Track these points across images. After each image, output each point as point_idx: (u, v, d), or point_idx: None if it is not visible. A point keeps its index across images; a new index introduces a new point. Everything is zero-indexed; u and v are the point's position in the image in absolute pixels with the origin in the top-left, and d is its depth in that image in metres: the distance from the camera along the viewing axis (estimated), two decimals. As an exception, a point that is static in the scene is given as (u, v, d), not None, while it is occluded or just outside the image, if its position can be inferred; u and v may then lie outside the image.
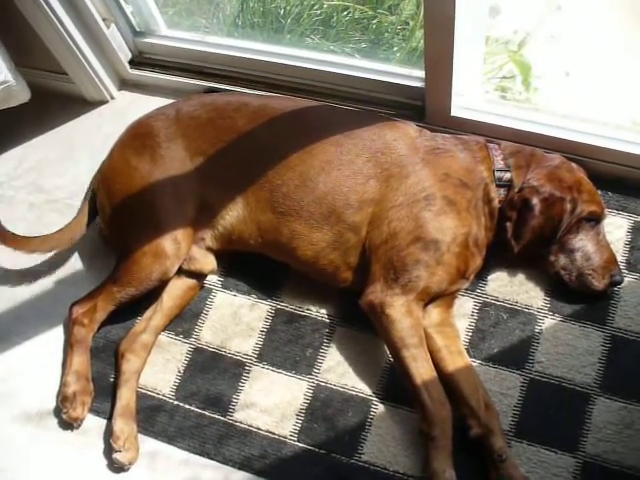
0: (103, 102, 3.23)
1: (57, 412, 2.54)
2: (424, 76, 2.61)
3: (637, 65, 3.01)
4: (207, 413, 2.49)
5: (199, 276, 2.64)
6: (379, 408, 2.43)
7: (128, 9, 3.03)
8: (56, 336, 2.68)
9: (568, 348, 2.43)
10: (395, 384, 2.43)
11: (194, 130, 2.55)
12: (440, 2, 2.26)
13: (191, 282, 2.63)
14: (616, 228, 2.60)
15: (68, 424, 2.51)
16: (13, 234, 2.70)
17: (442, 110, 2.68)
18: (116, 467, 2.42)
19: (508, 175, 2.44)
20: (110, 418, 2.47)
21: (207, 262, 2.61)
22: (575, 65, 3.02)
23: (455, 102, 2.66)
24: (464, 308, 2.53)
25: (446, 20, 2.31)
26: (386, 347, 2.40)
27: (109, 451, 2.43)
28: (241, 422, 2.46)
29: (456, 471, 2.21)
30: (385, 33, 3.22)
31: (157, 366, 2.58)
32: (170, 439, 2.47)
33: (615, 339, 2.43)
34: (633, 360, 2.39)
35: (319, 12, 3.27)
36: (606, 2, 3.14)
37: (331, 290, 2.57)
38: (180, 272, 2.59)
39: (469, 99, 2.70)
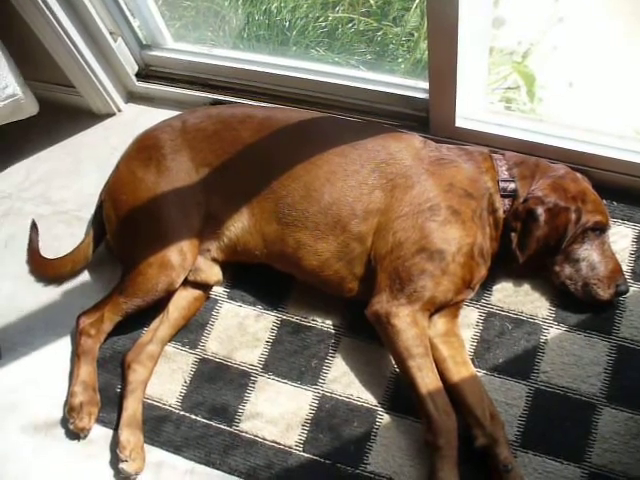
0: (110, 115, 3.26)
1: (64, 422, 2.55)
2: (428, 87, 2.62)
3: (639, 75, 3.01)
4: (213, 423, 2.50)
5: (205, 287, 2.65)
6: (384, 418, 2.43)
7: (135, 23, 3.06)
8: (63, 347, 2.70)
9: (574, 358, 2.42)
10: (400, 394, 2.43)
11: (200, 142, 2.56)
12: (443, 13, 2.27)
13: (197, 293, 2.64)
14: (621, 237, 2.60)
15: (75, 434, 2.52)
16: (42, 258, 2.81)
17: (446, 121, 2.69)
18: (122, 477, 2.43)
19: (513, 185, 2.45)
20: (116, 428, 2.48)
21: (213, 273, 2.63)
22: (578, 75, 3.03)
23: (459, 113, 2.66)
24: (469, 318, 2.53)
25: (449, 31, 2.31)
26: (392, 357, 2.41)
27: (116, 461, 2.43)
28: (247, 432, 2.47)
29: (462, 481, 2.21)
30: (390, 45, 3.23)
31: (163, 376, 2.59)
32: (176, 449, 2.47)
33: (621, 349, 2.42)
34: (639, 370, 2.38)
35: (324, 24, 3.30)
36: (608, 13, 3.14)
37: (336, 300, 2.58)
38: (186, 283, 2.60)
39: (473, 110, 2.71)
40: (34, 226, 2.88)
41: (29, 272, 2.86)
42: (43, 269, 2.81)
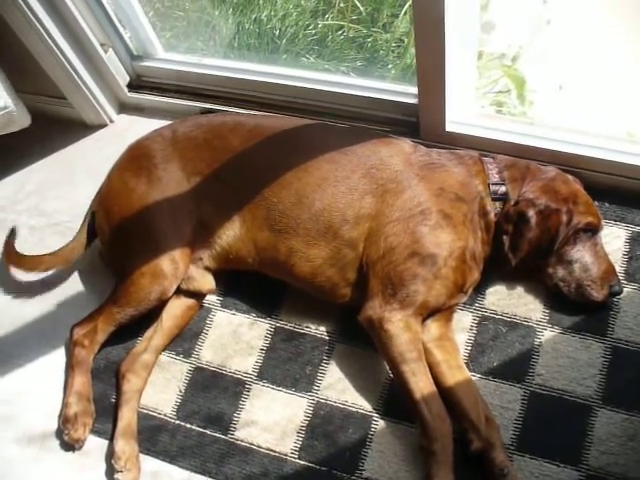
0: (102, 126, 3.26)
1: (59, 433, 2.54)
2: (417, 93, 2.62)
3: (629, 75, 3.02)
4: (208, 432, 2.49)
5: (198, 296, 2.65)
6: (379, 424, 2.42)
7: (125, 34, 3.08)
8: (57, 358, 2.69)
9: (568, 360, 2.42)
10: (395, 400, 2.42)
11: (190, 151, 2.57)
12: (430, 19, 2.27)
13: (190, 302, 2.64)
14: (614, 238, 2.60)
15: (70, 445, 2.52)
16: (17, 253, 2.77)
17: (436, 126, 2.69)
18: (118, 487, 2.42)
19: (503, 188, 2.45)
20: (111, 438, 2.48)
21: (205, 281, 2.63)
22: (568, 78, 3.04)
23: (449, 117, 2.67)
24: (463, 322, 2.53)
25: (436, 36, 2.32)
26: (385, 362, 2.40)
27: (111, 472, 2.42)
28: (242, 440, 2.46)
29: (458, 486, 2.20)
30: (380, 51, 3.25)
31: (158, 386, 2.59)
32: (172, 458, 2.47)
33: (616, 350, 2.41)
34: (634, 371, 2.38)
35: (314, 32, 3.32)
36: (595, 14, 3.15)
37: (330, 307, 2.57)
38: (179, 292, 2.60)
39: (464, 114, 2.71)
40: (13, 230, 2.86)
41: (20, 286, 2.86)
42: (17, 262, 2.78)
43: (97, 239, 2.70)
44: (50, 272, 2.79)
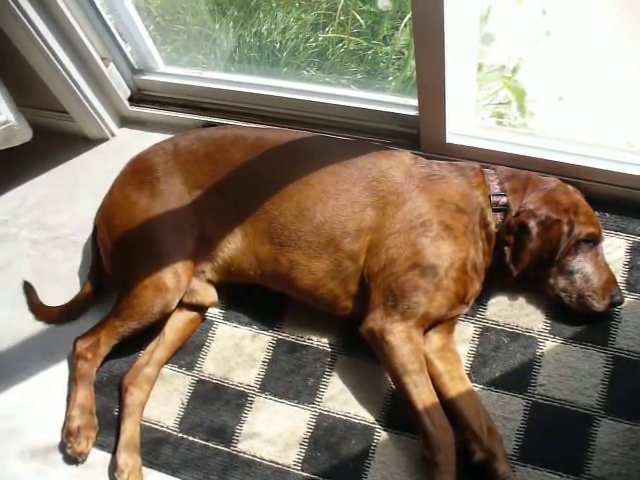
0: (104, 139, 3.28)
1: (62, 447, 2.54)
2: (418, 105, 2.64)
3: (629, 86, 3.03)
4: (211, 444, 2.49)
5: (200, 308, 2.65)
6: (382, 435, 2.42)
7: (126, 48, 3.09)
8: (60, 371, 2.70)
9: (570, 370, 2.42)
10: (398, 411, 2.42)
11: (192, 164, 2.58)
12: (430, 31, 2.29)
13: (192, 315, 2.64)
14: (615, 249, 2.60)
15: (73, 459, 2.52)
16: (47, 307, 2.80)
17: (437, 137, 2.70)
18: (121, 501, 2.42)
19: (504, 199, 2.45)
20: (114, 452, 2.48)
21: (208, 294, 2.63)
22: (568, 89, 3.05)
23: (450, 129, 2.68)
24: (465, 333, 2.53)
25: (436, 49, 2.33)
26: (387, 374, 2.40)
27: (114, 485, 2.43)
28: (245, 452, 2.46)
29: (460, 497, 2.20)
30: (380, 63, 3.26)
31: (160, 399, 2.59)
32: (174, 471, 2.47)
33: (617, 360, 2.41)
34: (636, 380, 2.38)
35: (314, 45, 3.33)
36: (594, 25, 3.16)
37: (332, 319, 2.57)
38: (181, 305, 2.61)
39: (464, 126, 2.72)
40: (27, 285, 2.86)
41: (23, 300, 2.86)
42: (54, 317, 2.81)
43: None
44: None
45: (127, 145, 3.18)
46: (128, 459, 2.43)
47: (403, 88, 3.13)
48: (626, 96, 3.00)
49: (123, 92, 3.18)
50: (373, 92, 2.98)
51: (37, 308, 2.81)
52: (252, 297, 2.68)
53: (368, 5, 3.37)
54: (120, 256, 2.60)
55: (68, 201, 3.13)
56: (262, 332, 2.65)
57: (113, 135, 3.28)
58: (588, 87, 3.04)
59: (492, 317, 2.55)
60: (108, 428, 2.55)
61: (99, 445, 2.54)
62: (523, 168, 2.59)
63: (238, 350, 2.64)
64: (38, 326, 2.80)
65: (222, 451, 2.48)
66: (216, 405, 2.56)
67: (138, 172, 2.65)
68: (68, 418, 2.52)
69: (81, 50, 2.95)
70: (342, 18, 3.34)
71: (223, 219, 2.54)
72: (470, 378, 2.43)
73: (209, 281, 2.63)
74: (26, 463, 2.57)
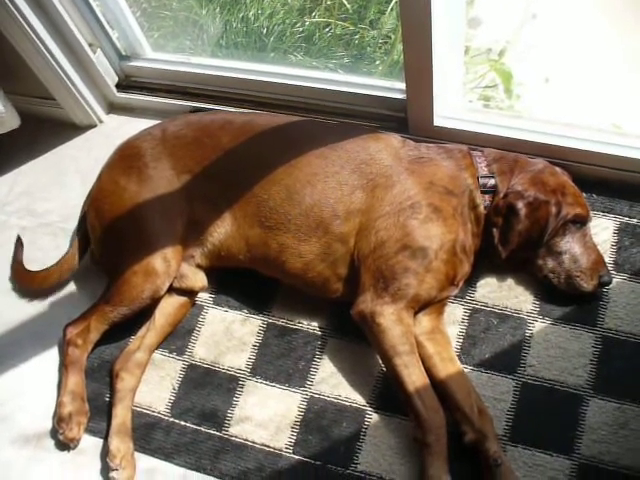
0: (92, 126, 3.26)
1: (54, 433, 2.55)
2: (405, 88, 2.64)
3: (615, 68, 3.04)
4: (202, 429, 2.50)
5: (190, 293, 2.65)
6: (373, 417, 2.43)
7: (113, 34, 3.08)
8: (51, 358, 2.69)
9: (559, 351, 2.44)
10: (388, 393, 2.43)
11: (180, 149, 2.57)
12: (416, 15, 2.28)
13: (183, 299, 2.65)
14: (602, 230, 2.62)
15: (65, 445, 2.52)
16: (26, 271, 2.80)
17: (424, 120, 2.70)
18: (114, 486, 2.43)
19: (492, 181, 2.46)
20: (106, 437, 2.48)
21: (197, 279, 2.63)
22: (554, 71, 3.06)
23: (437, 112, 2.68)
24: (454, 315, 2.55)
25: (423, 32, 2.33)
26: (378, 356, 2.42)
27: (106, 470, 2.43)
28: (236, 436, 2.47)
29: (452, 477, 2.22)
30: (367, 47, 3.26)
31: (152, 384, 2.60)
32: (167, 456, 2.48)
33: (606, 340, 2.43)
34: (625, 360, 2.40)
35: (301, 29, 3.32)
36: (580, 8, 3.17)
37: (322, 302, 2.58)
38: (171, 290, 2.61)
39: (451, 109, 2.73)
40: (19, 240, 2.87)
41: (13, 287, 2.86)
42: (28, 282, 2.80)
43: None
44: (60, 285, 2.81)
45: (115, 131, 3.16)
46: (120, 444, 2.43)
47: (390, 72, 3.13)
48: (611, 78, 3.01)
49: (111, 78, 3.16)
50: (360, 76, 2.98)
51: (17, 267, 2.81)
52: (242, 281, 2.68)
53: (354, -11, 3.38)
54: (109, 242, 2.60)
55: (56, 188, 3.11)
56: (252, 316, 2.66)
57: (101, 122, 3.26)
58: (574, 69, 3.04)
59: (481, 299, 2.56)
60: (100, 414, 2.56)
61: (91, 431, 2.54)
62: (510, 150, 2.59)
63: (228, 334, 2.64)
64: (28, 312, 2.79)
65: (214, 435, 2.49)
66: (207, 389, 2.56)
67: (126, 158, 2.64)
68: (59, 404, 2.52)
69: (68, 37, 2.93)
70: (329, 2, 3.34)
71: (212, 204, 2.54)
72: (460, 359, 2.45)
73: (199, 266, 2.63)
74: (18, 450, 2.57)
